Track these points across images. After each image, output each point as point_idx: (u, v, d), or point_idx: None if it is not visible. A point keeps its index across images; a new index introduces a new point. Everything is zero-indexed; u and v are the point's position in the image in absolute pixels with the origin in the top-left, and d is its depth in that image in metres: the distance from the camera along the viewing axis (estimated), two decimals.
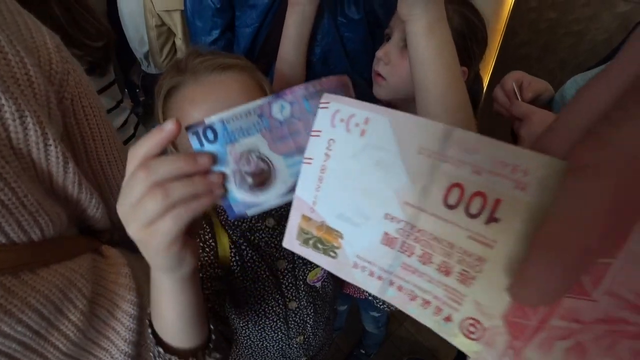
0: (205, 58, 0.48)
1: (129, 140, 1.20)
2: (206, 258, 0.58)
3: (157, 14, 1.16)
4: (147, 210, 0.26)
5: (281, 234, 0.59)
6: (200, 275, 0.57)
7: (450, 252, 0.16)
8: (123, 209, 0.27)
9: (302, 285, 0.65)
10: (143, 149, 0.27)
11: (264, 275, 0.61)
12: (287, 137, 0.27)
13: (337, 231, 0.21)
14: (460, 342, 0.16)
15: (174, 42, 1.25)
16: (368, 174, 0.18)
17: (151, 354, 0.52)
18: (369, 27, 0.79)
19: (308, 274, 0.64)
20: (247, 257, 0.60)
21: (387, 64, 0.66)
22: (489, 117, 0.81)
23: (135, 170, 0.26)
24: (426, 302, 0.17)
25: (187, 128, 0.27)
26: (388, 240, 0.18)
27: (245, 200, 0.28)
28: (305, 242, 0.23)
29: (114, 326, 0.48)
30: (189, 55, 0.50)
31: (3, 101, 0.33)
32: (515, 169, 0.14)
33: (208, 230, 0.59)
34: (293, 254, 0.61)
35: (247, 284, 0.61)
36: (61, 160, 0.40)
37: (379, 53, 0.66)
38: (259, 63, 0.80)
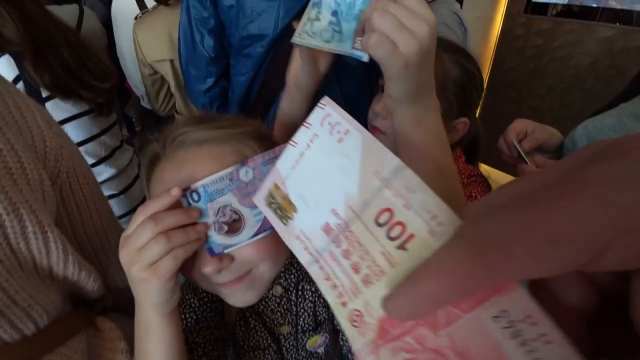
0: (185, 130, 0.45)
1: (135, 180, 1.17)
2: (212, 319, 0.56)
3: (149, 64, 1.17)
4: (152, 252, 0.34)
5: (289, 301, 0.58)
6: (206, 337, 0.54)
7: (364, 256, 0.20)
8: (128, 253, 0.35)
9: (303, 352, 0.63)
10: (154, 206, 0.36)
11: (266, 344, 0.60)
12: (251, 193, 0.36)
13: (294, 205, 0.25)
14: (344, 323, 0.20)
15: (169, 88, 1.26)
16: (331, 173, 0.22)
17: None
18: (366, 71, 0.80)
19: (307, 340, 0.63)
20: (252, 325, 0.58)
21: (385, 118, 0.64)
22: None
23: (144, 221, 0.35)
24: (334, 286, 0.21)
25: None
26: (327, 229, 0.22)
27: (222, 242, 0.38)
28: (269, 204, 0.28)
29: None
30: (175, 126, 0.48)
31: None
32: (434, 217, 0.17)
33: (218, 297, 0.56)
34: (297, 320, 0.60)
35: (248, 350, 0.60)
36: (60, 245, 0.38)
37: (376, 107, 0.64)
38: (254, 109, 0.80)
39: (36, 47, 0.90)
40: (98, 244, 0.51)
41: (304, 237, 0.24)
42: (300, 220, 0.24)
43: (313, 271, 0.23)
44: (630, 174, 0.12)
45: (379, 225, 0.19)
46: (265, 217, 0.35)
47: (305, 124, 0.25)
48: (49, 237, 0.37)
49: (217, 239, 0.38)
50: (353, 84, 0.79)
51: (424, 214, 0.18)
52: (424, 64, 0.38)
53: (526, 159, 0.68)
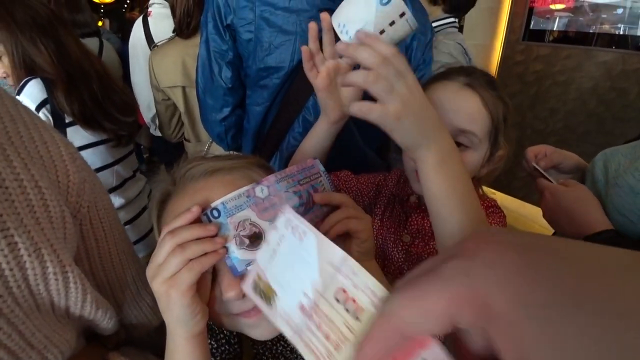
0: (194, 164, 0.46)
1: (143, 211, 1.18)
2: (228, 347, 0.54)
3: (162, 89, 1.20)
4: (170, 265, 0.36)
5: None
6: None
7: (332, 327, 0.25)
8: (152, 268, 0.37)
9: None
10: (175, 223, 0.38)
11: None
12: (268, 208, 0.40)
13: (274, 290, 0.31)
14: None
15: (180, 115, 1.29)
16: (298, 264, 0.29)
17: None
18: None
19: None
20: None
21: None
22: None
23: (165, 236, 0.37)
24: (314, 352, 0.27)
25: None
26: (301, 307, 0.28)
27: (244, 257, 0.38)
28: (255, 290, 0.34)
29: None
30: (182, 163, 0.49)
31: (17, 238, 0.32)
32: (373, 294, 0.24)
33: (236, 340, 0.56)
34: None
35: None
36: (79, 285, 0.38)
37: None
38: (269, 139, 0.82)
39: (69, 77, 0.95)
40: (115, 279, 0.51)
41: (285, 314, 0.30)
42: (281, 301, 0.31)
43: (296, 341, 0.28)
44: (466, 268, 0.18)
45: (338, 301, 0.26)
46: (262, 246, 0.40)
47: (273, 227, 0.33)
48: (69, 277, 0.37)
49: (239, 254, 0.38)
50: None
51: (367, 291, 0.24)
52: (416, 112, 0.42)
53: (547, 176, 0.73)
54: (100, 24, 3.32)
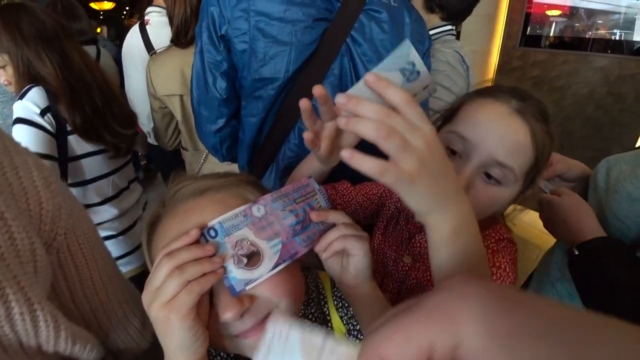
0: (183, 185, 0.45)
1: (137, 221, 1.16)
2: None
3: (159, 97, 1.18)
4: (168, 288, 0.35)
5: None
6: None
7: None
8: (148, 293, 0.36)
9: None
10: (173, 246, 0.37)
11: None
12: (266, 227, 0.41)
13: None
14: None
15: (177, 123, 1.28)
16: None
17: None
18: None
19: None
20: None
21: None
22: None
23: (162, 258, 0.36)
24: None
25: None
26: None
27: (242, 277, 0.38)
28: None
29: None
30: (171, 184, 0.48)
31: None
32: None
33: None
34: None
35: None
36: (51, 323, 0.36)
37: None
38: (264, 150, 0.81)
39: (71, 89, 0.95)
40: (98, 305, 0.49)
41: None
42: None
43: None
44: (444, 300, 0.22)
45: None
46: (282, 248, 0.41)
47: (262, 340, 0.33)
48: (38, 316, 0.35)
49: (237, 273, 0.38)
50: None
51: None
52: (434, 173, 0.35)
53: (542, 189, 0.72)
54: (98, 30, 3.33)
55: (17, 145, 0.40)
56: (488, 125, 0.50)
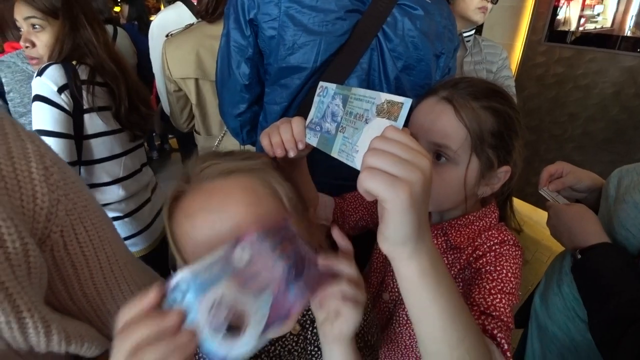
0: (211, 163, 0.44)
1: (145, 204, 1.17)
2: None
3: (174, 80, 1.17)
4: None
5: (305, 339, 0.55)
6: None
7: None
8: None
9: None
10: (126, 314, 0.29)
11: None
12: (251, 279, 0.31)
13: None
14: None
15: (191, 107, 1.26)
16: None
17: None
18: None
19: None
20: None
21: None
22: None
23: (117, 334, 0.29)
24: None
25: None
26: None
27: (221, 350, 0.29)
28: None
29: None
30: (196, 160, 0.46)
31: None
32: None
33: None
34: (315, 354, 0.57)
35: None
36: (41, 330, 0.35)
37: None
38: None
39: (101, 72, 0.98)
40: (99, 303, 0.47)
41: None
42: None
43: None
44: None
45: None
46: (273, 306, 0.31)
47: None
48: (27, 323, 0.34)
49: (213, 345, 0.29)
50: None
51: None
52: (424, 201, 0.34)
53: (552, 199, 0.76)
54: (117, 9, 3.29)
55: (19, 130, 0.37)
56: (420, 118, 0.58)
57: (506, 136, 0.57)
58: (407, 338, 0.70)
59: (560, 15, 2.24)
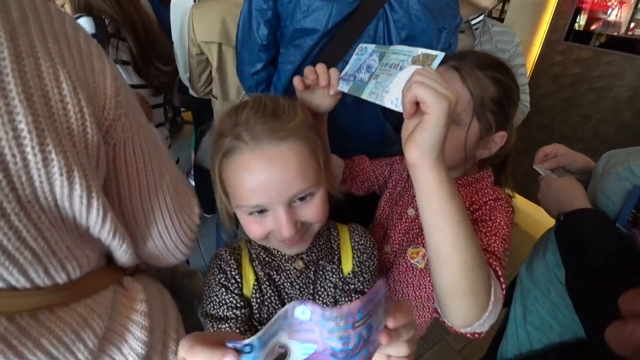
0: (265, 121, 0.49)
1: None
2: (231, 299, 0.59)
3: (198, 43, 1.24)
4: None
5: (307, 277, 0.61)
6: (227, 313, 0.58)
7: None
8: None
9: None
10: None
11: None
12: (303, 331, 0.32)
13: None
14: None
15: (210, 71, 1.35)
16: None
17: None
18: None
19: None
20: (267, 296, 0.61)
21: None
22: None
23: None
24: None
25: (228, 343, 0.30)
26: None
27: None
28: None
29: None
30: (250, 109, 0.51)
31: (53, 156, 0.33)
32: None
33: (235, 266, 0.60)
34: (314, 297, 0.63)
35: (262, 321, 0.62)
36: (101, 213, 0.39)
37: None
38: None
39: (123, 23, 1.03)
40: (134, 225, 0.49)
41: None
42: None
43: None
44: None
45: None
46: (314, 354, 0.33)
47: None
48: (93, 203, 0.38)
49: None
50: None
51: None
52: (448, 125, 0.42)
53: (546, 174, 0.81)
54: None
55: (99, 51, 0.41)
56: None
57: (505, 104, 0.64)
58: (405, 286, 0.77)
59: (583, 16, 2.23)
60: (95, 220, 0.39)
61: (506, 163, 0.75)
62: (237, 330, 0.58)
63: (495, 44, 1.33)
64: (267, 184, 0.49)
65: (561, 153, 0.85)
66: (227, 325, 0.58)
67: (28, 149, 0.32)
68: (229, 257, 0.62)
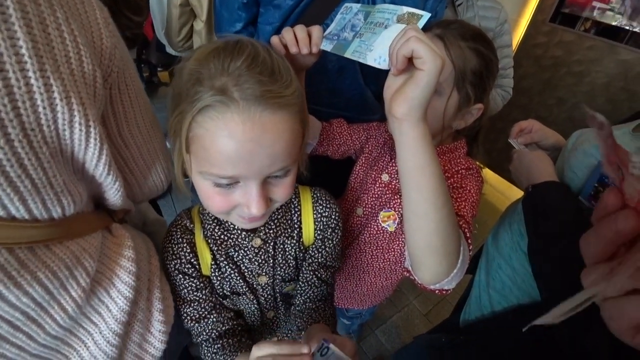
0: (262, 81, 0.42)
1: None
2: (190, 283, 0.59)
3: None
4: None
5: (266, 253, 0.60)
6: (190, 297, 0.60)
7: None
8: None
9: (280, 297, 0.66)
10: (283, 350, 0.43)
11: (242, 291, 0.62)
12: None
13: None
14: None
15: (192, 26, 1.26)
16: None
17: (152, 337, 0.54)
18: None
19: (285, 288, 0.66)
20: (227, 273, 0.60)
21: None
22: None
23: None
24: None
25: None
26: None
27: None
28: None
29: (108, 305, 0.49)
30: (244, 59, 0.43)
31: (52, 81, 0.34)
32: None
33: (188, 250, 0.58)
34: (274, 270, 0.63)
35: (226, 295, 0.63)
36: (98, 143, 0.40)
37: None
38: None
39: None
40: (142, 144, 0.52)
41: None
42: None
43: None
44: None
45: None
46: None
47: None
48: (91, 132, 0.39)
49: None
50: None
51: None
52: (434, 87, 0.42)
53: (516, 148, 0.84)
54: None
55: None
56: None
57: (485, 77, 0.64)
58: (375, 249, 0.80)
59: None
60: (93, 151, 0.40)
61: (479, 135, 0.77)
62: (204, 310, 0.61)
63: (479, 23, 1.25)
64: (251, 156, 0.42)
65: (536, 129, 0.87)
66: (191, 308, 0.60)
67: (30, 74, 0.33)
68: (180, 238, 0.59)
